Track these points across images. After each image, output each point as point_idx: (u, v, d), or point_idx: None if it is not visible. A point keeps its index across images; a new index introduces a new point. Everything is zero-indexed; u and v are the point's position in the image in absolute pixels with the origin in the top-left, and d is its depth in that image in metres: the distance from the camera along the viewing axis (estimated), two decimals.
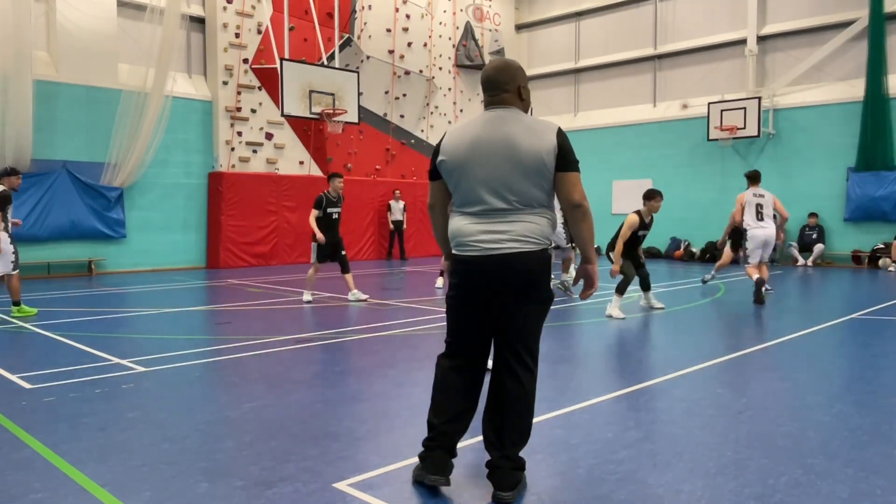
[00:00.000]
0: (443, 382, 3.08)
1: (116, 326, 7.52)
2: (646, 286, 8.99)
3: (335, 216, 9.38)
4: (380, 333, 6.97)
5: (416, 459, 3.35)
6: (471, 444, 3.58)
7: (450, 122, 19.81)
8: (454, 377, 3.06)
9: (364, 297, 9.57)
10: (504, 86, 2.98)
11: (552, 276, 2.96)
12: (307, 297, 9.35)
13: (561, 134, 2.89)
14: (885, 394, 4.60)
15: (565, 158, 2.88)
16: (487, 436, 2.99)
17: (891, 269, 14.30)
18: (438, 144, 3.03)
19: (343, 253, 9.55)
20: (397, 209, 17.51)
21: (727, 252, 11.45)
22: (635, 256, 8.92)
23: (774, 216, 10.10)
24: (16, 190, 8.61)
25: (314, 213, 9.21)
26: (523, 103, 3.02)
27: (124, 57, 13.65)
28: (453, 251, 3.02)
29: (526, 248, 2.87)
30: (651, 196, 8.62)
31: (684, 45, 18.31)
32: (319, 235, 9.15)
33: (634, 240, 8.85)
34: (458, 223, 2.98)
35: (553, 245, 3.05)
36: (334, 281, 12.03)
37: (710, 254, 17.00)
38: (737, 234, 10.82)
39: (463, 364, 3.07)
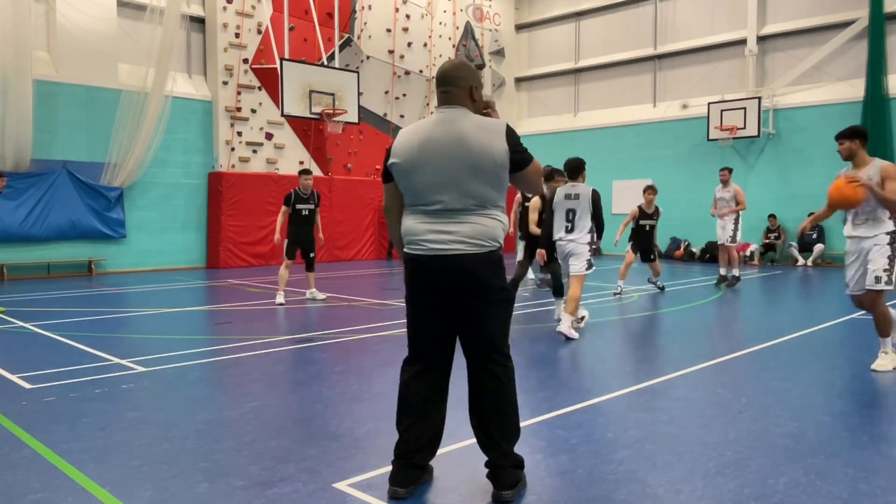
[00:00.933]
0: (404, 389, 3.03)
1: (116, 326, 7.52)
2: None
3: (305, 212, 9.47)
4: (380, 333, 6.97)
5: None
6: (467, 444, 3.58)
7: None
8: (415, 384, 3.01)
9: (322, 296, 9.65)
10: (457, 82, 2.96)
11: (502, 276, 2.96)
12: (280, 298, 9.19)
13: (510, 133, 2.88)
14: (885, 394, 4.60)
15: (519, 156, 2.89)
16: (479, 437, 3.00)
17: None
18: (389, 148, 3.01)
19: (312, 255, 9.62)
20: None
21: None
22: (646, 249, 10.23)
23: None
24: (0, 192, 8.72)
25: (283, 209, 9.33)
26: (474, 105, 2.99)
27: (124, 57, 13.65)
28: (405, 249, 3.00)
29: (471, 250, 2.85)
30: (644, 190, 10.29)
31: (684, 45, 18.31)
32: (277, 236, 9.30)
33: (641, 230, 10.25)
34: (409, 222, 2.97)
35: (500, 247, 2.96)
36: (334, 280, 12.03)
37: (711, 254, 17.01)
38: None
39: (423, 369, 3.02)
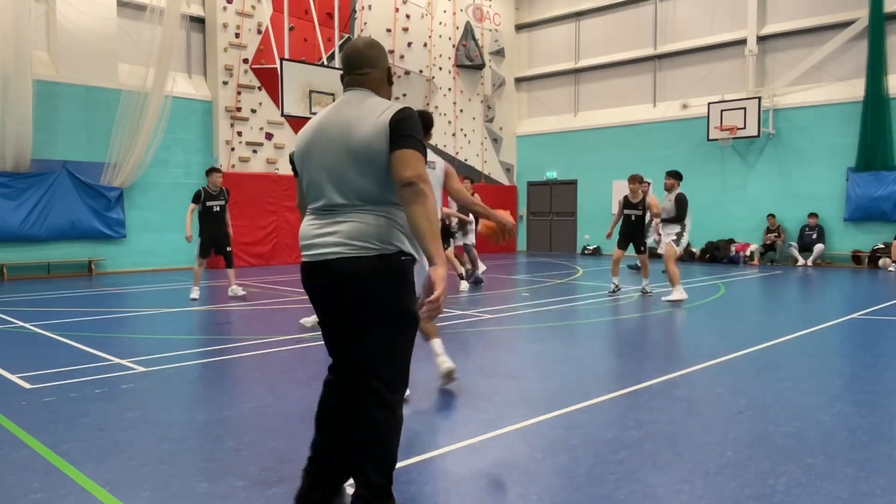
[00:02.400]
0: (319, 405, 2.74)
1: (116, 326, 7.52)
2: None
3: (216, 209, 9.73)
4: None
5: (415, 459, 3.36)
6: (467, 445, 3.58)
7: (450, 122, 19.82)
8: (324, 399, 2.73)
9: (242, 293, 9.87)
10: (375, 62, 2.62)
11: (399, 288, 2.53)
12: (194, 294, 9.55)
13: (402, 111, 2.46)
14: (885, 394, 4.60)
15: (398, 135, 2.42)
16: (352, 466, 2.67)
17: (891, 269, 14.30)
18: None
19: (228, 249, 9.90)
20: None
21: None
22: (635, 240, 10.11)
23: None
24: None
25: (191, 206, 9.66)
26: (390, 88, 2.69)
27: (124, 57, 13.65)
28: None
29: (352, 253, 2.44)
30: (628, 180, 10.18)
31: (684, 45, 18.31)
32: (188, 233, 9.57)
33: (627, 220, 10.13)
34: (302, 224, 2.65)
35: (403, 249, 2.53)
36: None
37: (711, 254, 17.02)
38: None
39: (333, 384, 2.72)
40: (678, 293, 9.08)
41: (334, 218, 2.50)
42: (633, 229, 10.14)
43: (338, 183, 2.49)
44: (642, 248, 10.14)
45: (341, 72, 2.69)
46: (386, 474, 2.53)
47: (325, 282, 2.52)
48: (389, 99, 2.64)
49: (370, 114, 2.48)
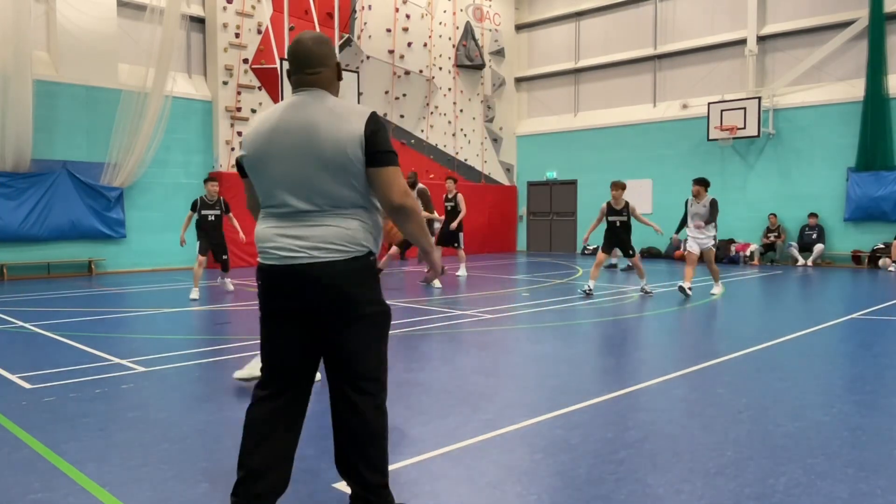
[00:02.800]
0: (247, 419, 2.57)
1: (116, 326, 7.52)
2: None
3: (211, 218, 10.02)
4: None
5: (415, 459, 3.36)
6: (467, 445, 3.58)
7: (450, 122, 19.81)
8: (260, 412, 2.56)
9: (231, 288, 10.33)
10: (326, 60, 2.52)
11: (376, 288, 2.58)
12: (194, 294, 9.64)
13: (373, 120, 2.42)
14: (885, 394, 4.60)
15: (376, 150, 2.40)
16: (344, 469, 2.61)
17: (891, 269, 14.30)
18: (242, 138, 2.59)
19: (225, 257, 10.27)
20: None
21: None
22: (620, 245, 10.23)
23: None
24: None
25: (189, 214, 10.04)
26: (339, 84, 2.61)
27: (124, 57, 13.65)
28: (258, 259, 2.58)
29: (327, 257, 2.41)
30: (611, 186, 10.16)
31: (684, 45, 18.31)
32: (182, 240, 10.00)
33: (611, 227, 10.21)
34: (260, 227, 2.56)
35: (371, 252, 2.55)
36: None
37: None
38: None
39: (273, 393, 2.56)
40: (720, 287, 10.26)
41: (302, 222, 2.44)
42: (618, 235, 10.19)
43: (304, 189, 2.43)
44: (631, 252, 10.19)
45: (288, 68, 2.60)
46: (383, 473, 2.56)
47: (296, 286, 2.44)
48: (337, 95, 2.59)
49: (337, 119, 2.41)
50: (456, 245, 12.57)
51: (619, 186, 10.09)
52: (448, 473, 3.20)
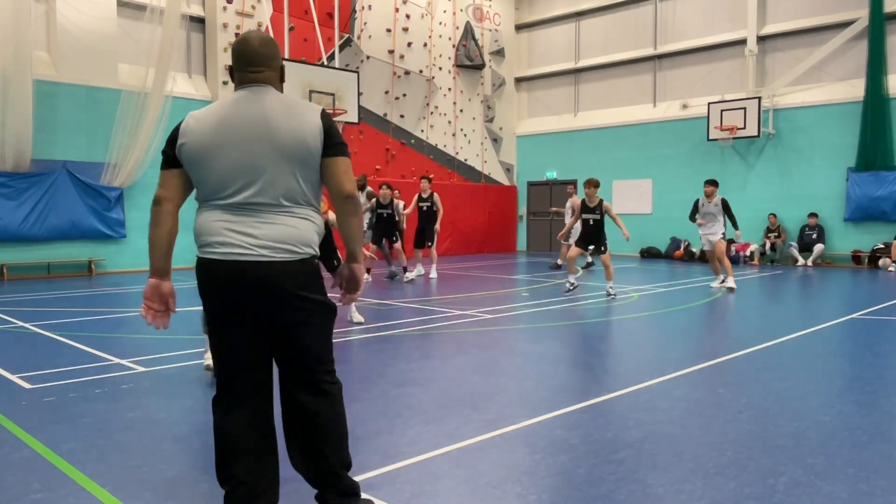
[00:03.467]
0: (219, 433, 2.49)
1: (116, 326, 7.52)
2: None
3: None
4: (380, 333, 6.96)
5: (415, 459, 3.36)
6: (466, 445, 3.58)
7: (450, 122, 19.82)
8: (231, 422, 2.48)
9: None
10: (270, 61, 2.54)
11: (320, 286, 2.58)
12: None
13: (325, 115, 2.48)
14: (885, 394, 4.60)
15: (332, 141, 2.46)
16: (307, 473, 2.60)
17: (891, 269, 14.30)
18: (177, 127, 2.49)
19: None
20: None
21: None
22: (594, 242, 10.14)
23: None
24: None
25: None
26: (281, 86, 2.61)
27: (124, 57, 13.65)
28: (197, 253, 2.48)
29: (278, 257, 2.39)
30: (584, 184, 10.05)
31: (684, 45, 18.31)
32: None
33: (585, 224, 10.12)
34: (202, 219, 2.47)
35: (317, 255, 2.56)
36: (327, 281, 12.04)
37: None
38: None
39: (236, 403, 2.49)
40: (732, 282, 10.68)
41: (254, 216, 2.40)
42: (592, 233, 10.05)
43: (258, 180, 2.39)
44: (603, 249, 10.02)
45: (229, 64, 2.63)
46: (349, 464, 2.64)
47: (242, 284, 2.39)
48: None
49: (294, 112, 2.45)
50: (430, 244, 12.44)
51: (592, 184, 9.89)
52: (448, 473, 3.20)
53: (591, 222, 10.01)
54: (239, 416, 2.48)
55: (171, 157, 2.49)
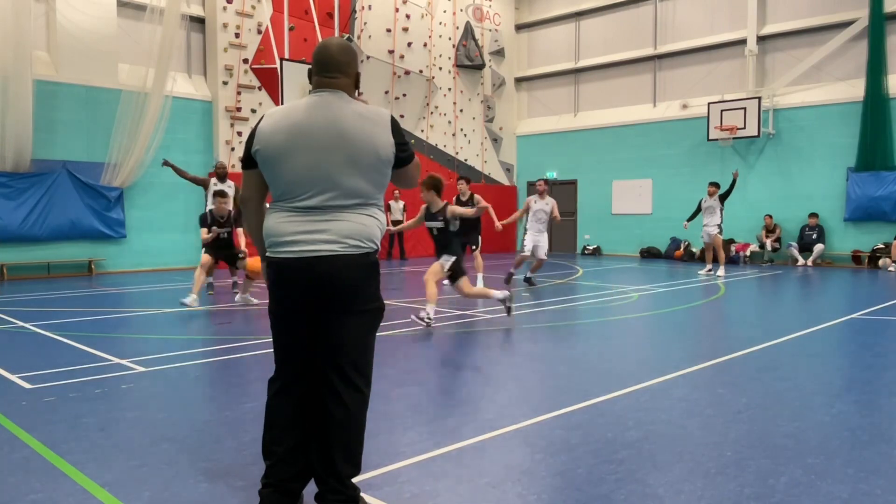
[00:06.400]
0: (269, 411, 2.71)
1: (116, 326, 7.52)
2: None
3: (223, 235, 9.43)
4: (380, 333, 6.93)
5: (415, 459, 3.36)
6: (467, 444, 3.58)
7: (450, 123, 19.82)
8: (281, 402, 2.69)
9: (254, 301, 9.17)
10: (346, 68, 2.65)
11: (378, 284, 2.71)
12: (190, 300, 8.44)
13: (395, 125, 2.62)
14: (885, 394, 4.60)
15: (403, 152, 2.65)
16: (315, 465, 2.68)
17: (891, 269, 14.30)
18: (254, 130, 2.63)
19: (237, 268, 9.87)
20: (397, 209, 17.49)
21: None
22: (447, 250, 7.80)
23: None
24: None
25: (202, 230, 9.36)
26: (355, 93, 2.72)
27: (124, 57, 13.65)
28: (267, 253, 2.64)
29: (346, 251, 2.53)
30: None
31: (684, 45, 18.31)
32: (211, 234, 9.28)
33: (430, 233, 7.90)
34: (273, 221, 2.60)
35: (376, 249, 2.66)
36: None
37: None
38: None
39: (288, 386, 2.69)
40: (722, 271, 13.23)
41: (323, 216, 2.54)
42: (438, 241, 7.90)
43: (328, 184, 2.53)
44: (473, 248, 10.66)
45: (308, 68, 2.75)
46: (358, 465, 2.69)
47: (312, 279, 2.53)
48: None
49: (367, 122, 2.57)
50: (474, 248, 11.30)
51: (426, 186, 7.46)
52: (448, 473, 3.20)
53: (435, 231, 7.79)
54: (287, 398, 2.67)
55: (249, 158, 2.66)
